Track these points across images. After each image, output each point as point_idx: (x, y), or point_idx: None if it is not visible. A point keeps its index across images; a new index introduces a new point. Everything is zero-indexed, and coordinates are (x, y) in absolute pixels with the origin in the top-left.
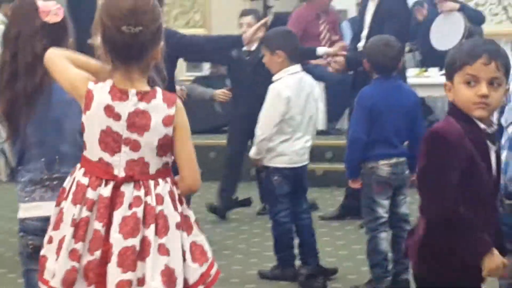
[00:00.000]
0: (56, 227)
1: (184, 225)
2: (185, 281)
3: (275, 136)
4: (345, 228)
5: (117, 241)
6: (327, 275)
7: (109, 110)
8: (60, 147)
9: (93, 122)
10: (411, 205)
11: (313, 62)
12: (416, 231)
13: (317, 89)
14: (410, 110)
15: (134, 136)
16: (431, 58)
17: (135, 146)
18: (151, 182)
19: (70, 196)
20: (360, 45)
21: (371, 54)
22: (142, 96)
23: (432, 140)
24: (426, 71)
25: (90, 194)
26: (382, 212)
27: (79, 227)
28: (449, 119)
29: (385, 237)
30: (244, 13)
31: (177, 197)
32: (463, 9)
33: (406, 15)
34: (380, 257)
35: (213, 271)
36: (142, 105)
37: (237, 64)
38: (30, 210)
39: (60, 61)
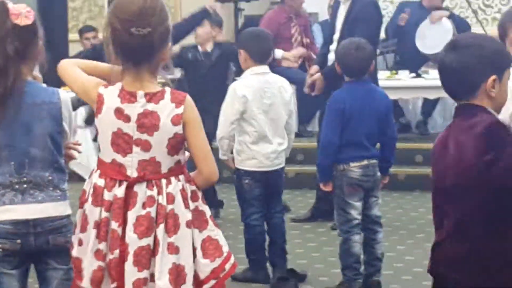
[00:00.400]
0: (83, 229)
1: (197, 221)
2: (197, 276)
3: (240, 136)
4: (317, 230)
5: (133, 240)
6: (299, 278)
7: (119, 113)
8: (30, 151)
9: (105, 125)
10: (382, 207)
11: (285, 64)
12: (454, 240)
13: (288, 92)
14: (382, 113)
15: (144, 136)
16: (407, 60)
17: (146, 146)
18: (163, 181)
19: (90, 199)
20: (332, 47)
21: (342, 57)
22: (151, 97)
23: (496, 132)
24: (396, 73)
25: (107, 195)
26: (355, 214)
27: (100, 228)
28: (483, 114)
29: (358, 240)
30: None
31: (189, 194)
32: (452, 16)
33: (377, 19)
34: (352, 259)
35: (228, 265)
36: (151, 106)
37: (193, 66)
38: (0, 213)
39: (72, 69)
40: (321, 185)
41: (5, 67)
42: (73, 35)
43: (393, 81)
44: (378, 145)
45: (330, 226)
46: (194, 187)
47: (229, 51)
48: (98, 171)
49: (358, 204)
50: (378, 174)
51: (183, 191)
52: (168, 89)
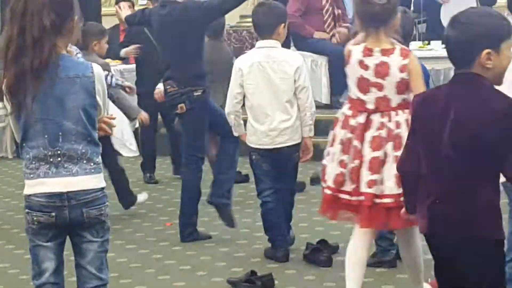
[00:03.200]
0: (331, 144)
1: None
2: None
3: (246, 112)
4: None
5: (368, 153)
6: (331, 249)
7: (361, 63)
8: (63, 124)
9: (352, 72)
10: None
11: (316, 36)
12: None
13: (293, 66)
14: None
15: (379, 80)
16: (437, 31)
17: (380, 87)
18: (393, 113)
19: (339, 124)
20: None
21: None
22: (384, 52)
23: None
24: (429, 44)
25: (352, 121)
26: None
27: (345, 144)
28: (485, 83)
29: None
30: None
31: None
32: None
33: None
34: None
35: None
36: (384, 59)
37: (143, 44)
38: (35, 186)
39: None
40: None
41: (41, 40)
42: (105, 9)
43: (425, 52)
44: None
45: None
46: None
47: None
48: (348, 105)
49: None
50: None
51: (407, 121)
52: (398, 47)
